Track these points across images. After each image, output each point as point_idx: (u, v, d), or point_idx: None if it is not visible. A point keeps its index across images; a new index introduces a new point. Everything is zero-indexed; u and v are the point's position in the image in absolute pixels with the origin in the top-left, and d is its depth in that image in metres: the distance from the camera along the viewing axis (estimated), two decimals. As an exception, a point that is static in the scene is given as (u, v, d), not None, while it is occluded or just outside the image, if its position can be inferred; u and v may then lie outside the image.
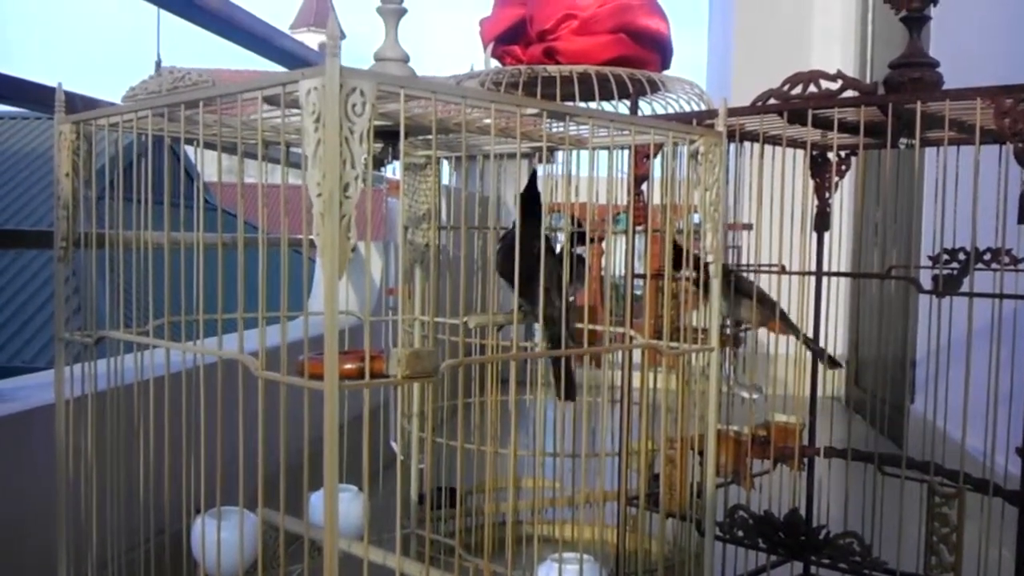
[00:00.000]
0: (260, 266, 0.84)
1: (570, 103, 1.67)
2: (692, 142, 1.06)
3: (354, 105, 0.72)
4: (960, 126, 1.22)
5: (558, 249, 1.24)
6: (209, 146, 0.98)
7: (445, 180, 1.63)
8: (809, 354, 1.48)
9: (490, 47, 1.66)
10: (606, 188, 1.05)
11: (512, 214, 1.55)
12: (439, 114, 0.97)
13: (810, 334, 1.44)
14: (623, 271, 1.40)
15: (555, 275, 1.05)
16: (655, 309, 1.31)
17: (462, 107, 0.80)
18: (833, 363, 1.43)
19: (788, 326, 1.40)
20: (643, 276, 1.35)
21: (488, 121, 1.10)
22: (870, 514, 1.25)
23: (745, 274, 1.41)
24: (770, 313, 1.39)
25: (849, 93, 1.20)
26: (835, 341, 1.53)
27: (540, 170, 1.39)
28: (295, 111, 0.89)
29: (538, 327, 1.22)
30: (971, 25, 2.34)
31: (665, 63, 1.68)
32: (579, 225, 1.24)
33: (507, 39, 1.66)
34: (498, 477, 1.82)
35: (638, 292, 1.48)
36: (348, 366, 0.78)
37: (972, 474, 1.17)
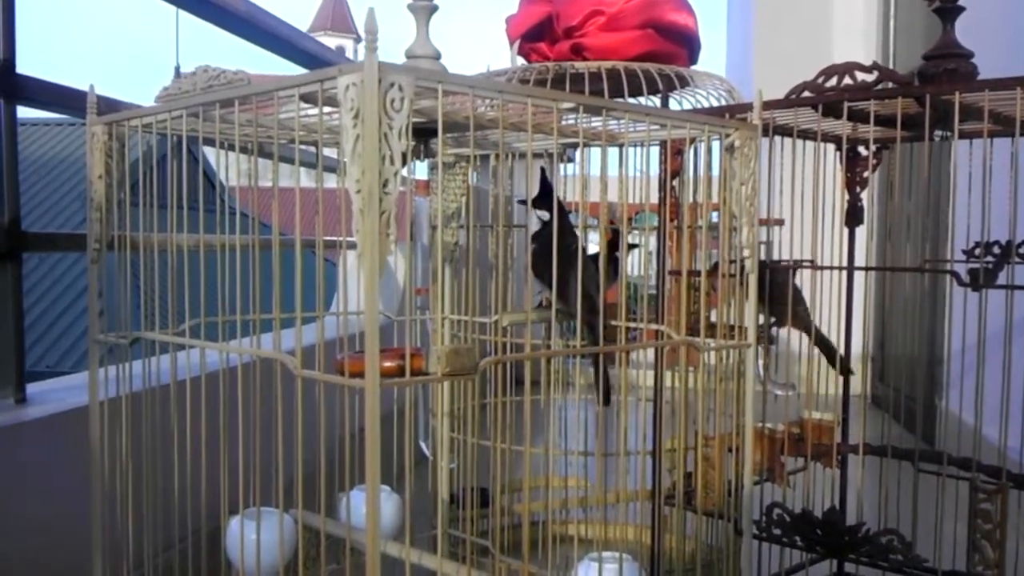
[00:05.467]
0: (296, 267, 0.84)
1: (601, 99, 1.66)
2: (727, 136, 1.05)
3: (392, 100, 0.72)
4: (996, 117, 1.20)
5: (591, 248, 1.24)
6: (243, 149, 0.98)
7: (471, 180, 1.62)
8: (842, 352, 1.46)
9: (516, 44, 1.65)
10: (621, 186, 1.04)
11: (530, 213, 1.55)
12: (468, 111, 0.96)
13: (841, 330, 1.43)
14: (642, 269, 1.39)
15: (589, 275, 1.04)
16: (689, 306, 1.30)
17: (499, 103, 0.80)
18: (846, 370, 1.42)
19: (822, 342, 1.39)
20: (677, 273, 1.34)
21: (518, 118, 1.09)
22: (903, 511, 1.23)
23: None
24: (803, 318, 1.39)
25: (883, 85, 1.19)
26: (863, 337, 1.52)
27: (562, 169, 1.38)
28: (329, 109, 0.89)
29: (575, 326, 1.21)
30: (985, 17, 2.31)
31: (693, 58, 1.67)
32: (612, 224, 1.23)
33: (533, 36, 1.65)
34: (529, 477, 1.81)
35: (652, 291, 1.47)
36: (388, 364, 0.78)
37: (1007, 471, 1.16)
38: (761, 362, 1.37)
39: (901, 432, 2.58)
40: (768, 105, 1.18)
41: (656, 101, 1.69)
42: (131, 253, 1.06)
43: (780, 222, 1.36)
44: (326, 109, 0.88)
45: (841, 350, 1.45)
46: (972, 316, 1.15)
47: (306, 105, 0.90)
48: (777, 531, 1.32)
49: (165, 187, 0.99)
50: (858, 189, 1.44)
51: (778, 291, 1.36)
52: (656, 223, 1.43)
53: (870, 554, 1.25)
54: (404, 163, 0.74)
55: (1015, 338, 1.17)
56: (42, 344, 6.99)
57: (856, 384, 1.58)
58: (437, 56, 1.11)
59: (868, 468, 1.31)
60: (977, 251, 1.18)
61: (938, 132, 1.26)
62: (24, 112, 1.49)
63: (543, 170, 1.23)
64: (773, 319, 1.40)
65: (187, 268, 0.97)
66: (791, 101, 1.23)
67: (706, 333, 1.10)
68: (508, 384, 1.63)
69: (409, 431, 1.01)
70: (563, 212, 1.14)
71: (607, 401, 1.17)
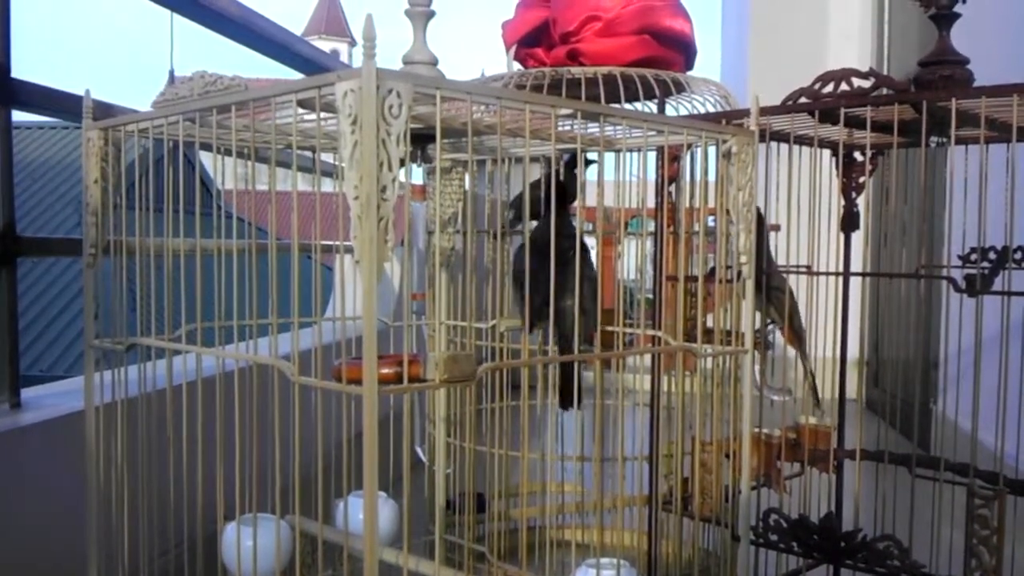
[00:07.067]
0: (293, 272, 0.83)
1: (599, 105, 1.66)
2: (724, 142, 1.05)
3: (391, 107, 0.72)
4: (992, 123, 1.20)
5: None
6: (239, 154, 0.98)
7: (466, 185, 1.62)
8: (838, 357, 1.47)
9: (512, 50, 1.65)
10: (618, 191, 1.04)
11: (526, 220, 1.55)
12: (465, 117, 0.96)
13: (837, 336, 1.43)
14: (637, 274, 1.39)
15: (568, 280, 1.03)
16: (686, 311, 1.30)
17: (498, 109, 0.80)
18: (817, 405, 1.43)
19: (802, 353, 1.40)
20: (674, 278, 1.34)
21: (515, 123, 1.09)
22: (900, 517, 1.23)
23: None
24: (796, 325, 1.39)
25: (879, 91, 1.19)
26: (859, 342, 1.52)
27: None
28: (326, 115, 0.88)
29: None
30: (981, 23, 2.32)
31: (689, 64, 1.67)
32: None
33: (530, 41, 1.65)
34: (526, 482, 1.81)
35: (650, 296, 1.47)
36: (385, 371, 0.78)
37: (1004, 476, 1.16)
38: (757, 367, 1.37)
39: (897, 437, 2.58)
40: (765, 111, 1.18)
41: (652, 107, 1.69)
42: (127, 258, 1.05)
43: (776, 228, 1.36)
44: (323, 114, 0.87)
45: (837, 354, 1.45)
46: (968, 321, 1.15)
47: (303, 110, 0.90)
48: (774, 537, 1.32)
49: (161, 192, 0.99)
50: (854, 195, 1.44)
51: (775, 297, 1.36)
52: (651, 228, 1.43)
53: (867, 560, 1.25)
54: (402, 166, 0.74)
55: (1011, 343, 1.17)
56: (36, 348, 6.96)
57: (852, 389, 1.57)
58: (434, 62, 1.11)
59: (864, 473, 1.31)
60: (973, 256, 1.18)
61: (934, 138, 1.26)
62: (18, 116, 1.49)
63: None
64: (771, 321, 1.40)
65: (183, 273, 0.97)
66: (788, 107, 1.23)
67: (703, 339, 1.10)
68: (505, 389, 1.63)
69: (406, 437, 1.01)
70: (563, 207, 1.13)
71: (566, 404, 1.16)
